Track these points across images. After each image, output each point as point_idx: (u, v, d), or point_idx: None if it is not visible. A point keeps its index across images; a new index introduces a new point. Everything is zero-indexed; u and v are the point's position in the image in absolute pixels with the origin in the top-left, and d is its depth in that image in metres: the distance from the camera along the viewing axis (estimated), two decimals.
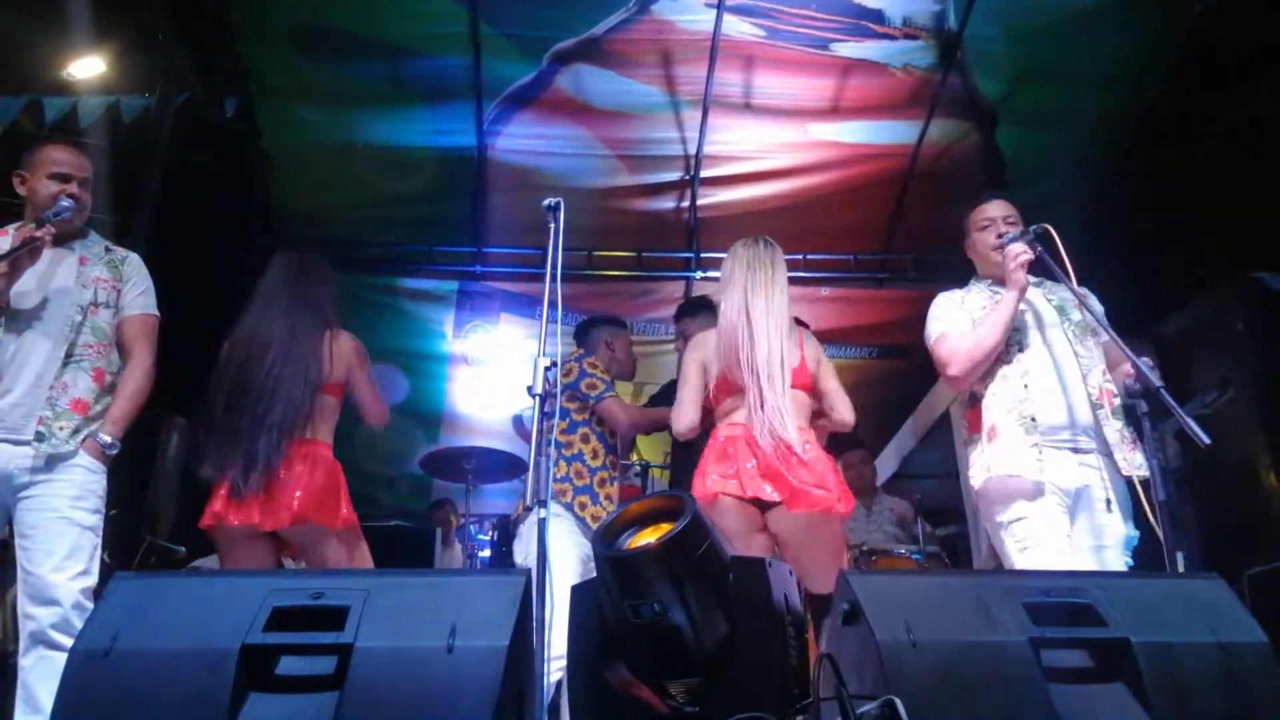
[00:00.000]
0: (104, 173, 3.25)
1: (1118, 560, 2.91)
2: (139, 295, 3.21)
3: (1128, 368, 2.94)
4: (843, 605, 1.96)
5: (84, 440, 2.96)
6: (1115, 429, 2.99)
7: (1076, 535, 2.94)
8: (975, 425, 3.15)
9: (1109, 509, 2.93)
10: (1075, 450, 2.98)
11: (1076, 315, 3.16)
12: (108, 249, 3.22)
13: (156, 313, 3.25)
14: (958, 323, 3.20)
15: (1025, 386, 3.02)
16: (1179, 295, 5.65)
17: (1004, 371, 3.07)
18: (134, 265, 3.24)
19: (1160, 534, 2.59)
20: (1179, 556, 2.60)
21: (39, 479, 2.86)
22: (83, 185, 3.14)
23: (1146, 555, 2.95)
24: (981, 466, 3.07)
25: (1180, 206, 6.04)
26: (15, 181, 3.14)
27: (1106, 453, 2.98)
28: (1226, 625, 1.84)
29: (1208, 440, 2.55)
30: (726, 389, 3.27)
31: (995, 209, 3.29)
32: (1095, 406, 3.01)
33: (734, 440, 3.16)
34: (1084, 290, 3.17)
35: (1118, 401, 3.00)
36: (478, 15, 5.67)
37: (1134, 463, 2.92)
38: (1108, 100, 6.21)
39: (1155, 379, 2.70)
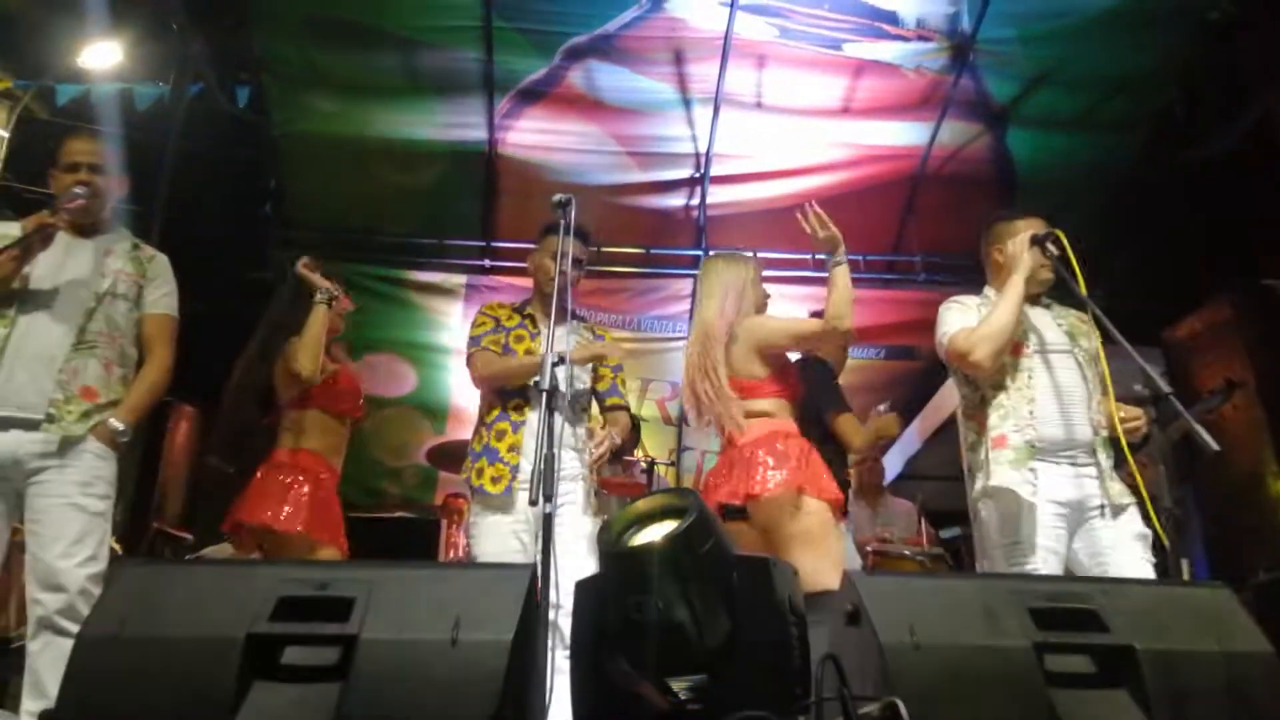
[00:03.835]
0: (117, 161, 3.27)
1: (1132, 559, 2.89)
2: (163, 295, 3.25)
3: (1121, 411, 2.99)
4: (846, 606, 1.96)
5: (94, 426, 2.97)
6: (1106, 457, 3.03)
7: (1080, 545, 2.97)
8: (982, 429, 3.16)
9: (1103, 514, 2.95)
10: (1074, 464, 3.01)
11: (1085, 342, 3.17)
12: (135, 245, 3.25)
13: (177, 315, 3.29)
14: (971, 321, 3.19)
15: (1030, 414, 3.03)
16: (1188, 301, 5.64)
17: (1012, 388, 3.09)
18: (160, 265, 3.28)
19: (1166, 542, 2.59)
20: (1184, 564, 2.60)
21: (49, 464, 2.87)
22: (95, 172, 3.15)
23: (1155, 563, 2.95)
24: (984, 474, 3.09)
25: (1191, 212, 6.03)
26: (49, 178, 3.19)
27: (1102, 473, 3.02)
28: (1231, 634, 1.84)
29: (1216, 446, 2.55)
30: None
31: (1041, 225, 3.24)
32: (1095, 431, 3.04)
33: None
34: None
35: (1105, 434, 3.05)
36: (491, 9, 5.68)
37: (1115, 492, 2.97)
38: (1121, 105, 6.19)
39: (1164, 385, 2.70)
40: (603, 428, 3.50)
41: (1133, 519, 2.95)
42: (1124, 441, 2.92)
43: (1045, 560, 2.91)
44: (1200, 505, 5.14)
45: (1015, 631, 1.80)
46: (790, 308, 6.65)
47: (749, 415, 3.29)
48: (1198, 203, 6.01)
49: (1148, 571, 2.88)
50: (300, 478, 3.56)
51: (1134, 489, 2.94)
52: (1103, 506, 2.96)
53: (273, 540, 3.51)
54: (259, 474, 3.60)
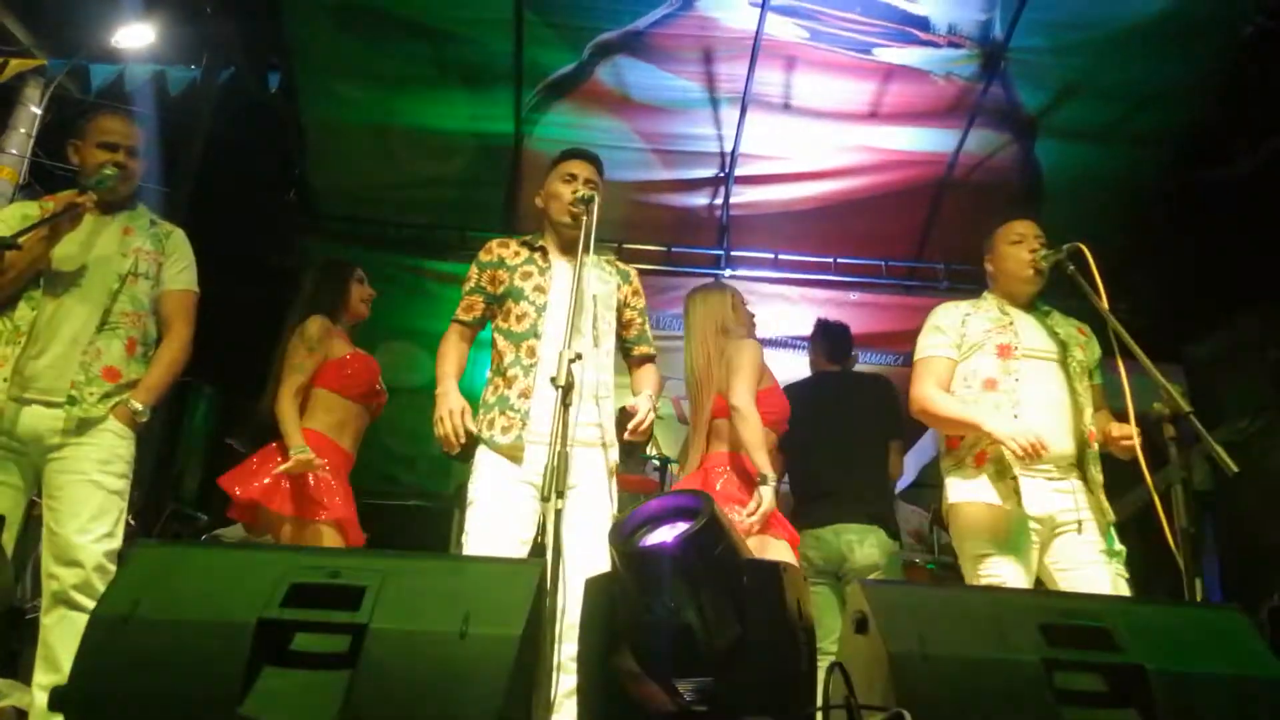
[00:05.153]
0: (149, 142, 3.30)
1: (1101, 575, 2.93)
2: (181, 271, 3.27)
3: (1114, 428, 3.04)
4: (855, 614, 1.96)
5: (114, 406, 3.00)
6: (1095, 471, 3.04)
7: (1050, 560, 3.00)
8: (955, 442, 3.18)
9: (1080, 530, 2.97)
10: (1049, 478, 3.02)
11: (1079, 354, 3.20)
12: (153, 222, 3.27)
13: (196, 289, 3.30)
14: (947, 351, 3.23)
15: (1015, 417, 3.01)
16: (1212, 319, 5.59)
17: (995, 399, 3.08)
18: (178, 241, 3.30)
19: (1180, 561, 2.57)
20: (1198, 584, 2.58)
21: (69, 442, 2.90)
22: (130, 154, 3.19)
23: (1166, 583, 2.94)
24: (958, 488, 3.12)
25: (1219, 229, 5.97)
26: (69, 150, 3.21)
27: (1086, 487, 3.04)
28: (1244, 658, 1.82)
29: (1235, 468, 2.54)
30: None
31: (1026, 226, 3.32)
32: (1084, 445, 3.05)
33: None
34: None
35: (1096, 446, 3.07)
36: (522, 2, 5.68)
37: (1094, 509, 3.00)
38: (1152, 118, 6.13)
39: (1184, 403, 2.68)
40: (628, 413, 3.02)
41: (1101, 534, 2.99)
42: (1139, 454, 2.91)
43: (1015, 575, 2.95)
44: (1216, 526, 5.10)
45: (1025, 647, 1.79)
46: (811, 310, 6.65)
47: (717, 437, 3.52)
48: (1226, 218, 5.95)
49: (1121, 587, 2.94)
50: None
51: (1149, 507, 2.93)
52: (1079, 522, 2.97)
53: (265, 516, 3.50)
54: (259, 452, 3.61)
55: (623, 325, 3.32)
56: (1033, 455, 2.86)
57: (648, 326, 3.41)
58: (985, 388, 3.11)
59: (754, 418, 3.30)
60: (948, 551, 5.23)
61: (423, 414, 4.35)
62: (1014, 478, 2.96)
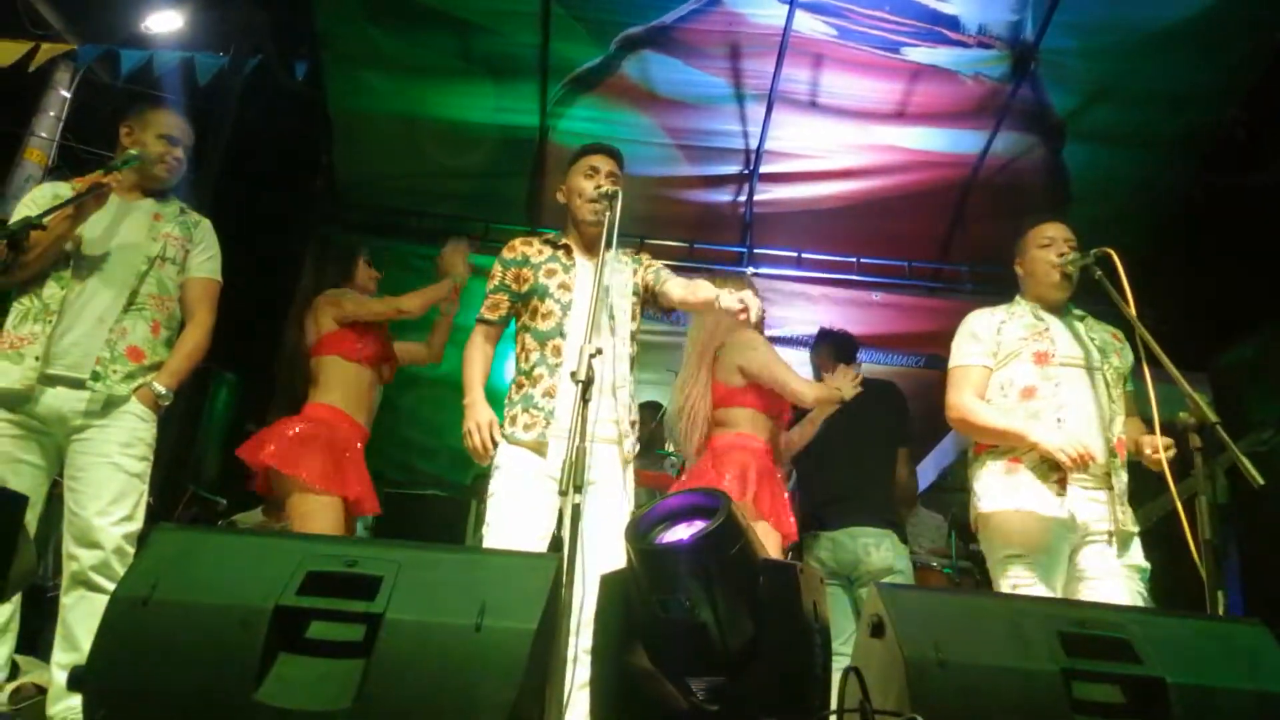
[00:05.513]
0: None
1: (1123, 589, 2.91)
2: (207, 260, 3.32)
3: (1145, 442, 3.02)
4: (871, 618, 1.95)
5: (138, 388, 3.02)
6: (1123, 480, 3.03)
7: (1079, 564, 2.98)
8: (982, 448, 3.15)
9: (1110, 542, 2.95)
10: (1085, 487, 3.00)
11: (1115, 360, 3.17)
12: (183, 210, 3.32)
13: (220, 279, 3.34)
14: (983, 360, 3.19)
15: (1059, 421, 2.99)
16: (1240, 327, 5.51)
17: (1034, 407, 3.05)
18: (205, 230, 3.35)
19: (1203, 573, 2.54)
20: (1220, 596, 2.55)
21: (92, 423, 2.93)
22: (186, 150, 3.31)
23: (1187, 595, 2.91)
24: (994, 495, 3.07)
25: (1248, 235, 5.89)
26: (123, 131, 3.25)
27: (1114, 496, 3.01)
28: (1267, 673, 1.80)
29: (1261, 480, 2.51)
30: None
31: (1057, 229, 3.27)
32: (1112, 454, 3.03)
33: None
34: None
35: (1124, 456, 3.06)
36: None
37: (1124, 520, 2.98)
38: (1181, 123, 6.06)
39: (1211, 414, 2.65)
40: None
41: (1135, 552, 2.97)
42: (1166, 468, 2.89)
43: (1048, 581, 2.92)
44: (1239, 539, 5.03)
45: (1044, 656, 1.77)
46: (834, 310, 6.62)
47: (720, 425, 3.62)
48: (1254, 225, 5.87)
49: (1138, 604, 2.92)
50: (315, 428, 3.60)
51: (1171, 517, 2.90)
52: (1110, 534, 2.95)
53: (278, 481, 3.54)
54: (276, 423, 3.66)
55: (646, 288, 3.29)
56: (1082, 466, 2.84)
57: (664, 268, 3.33)
58: (1023, 396, 3.07)
59: (812, 392, 3.59)
60: (964, 557, 5.21)
61: (442, 405, 4.38)
62: (1057, 482, 2.94)
